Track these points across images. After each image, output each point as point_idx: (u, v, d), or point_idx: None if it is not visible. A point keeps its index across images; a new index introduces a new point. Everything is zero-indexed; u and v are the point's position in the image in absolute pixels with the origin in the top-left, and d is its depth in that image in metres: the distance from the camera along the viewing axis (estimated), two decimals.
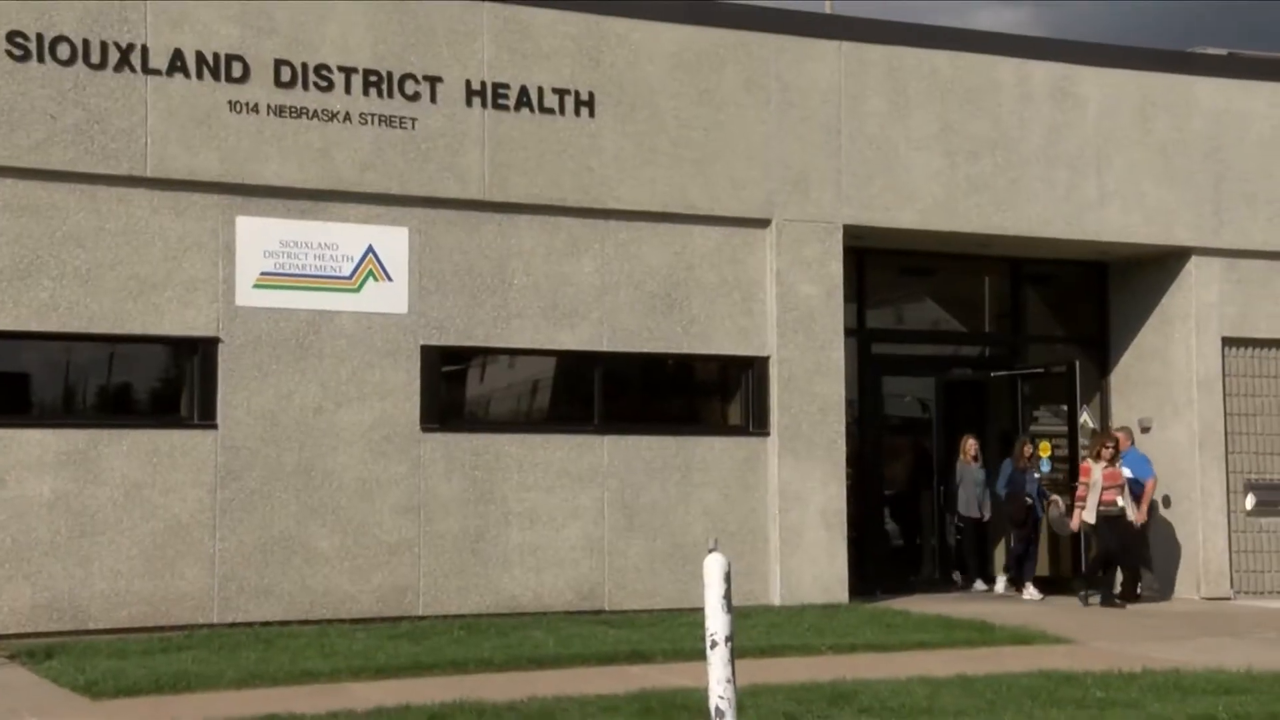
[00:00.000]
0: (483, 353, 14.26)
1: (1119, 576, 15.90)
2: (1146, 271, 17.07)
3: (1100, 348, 17.62)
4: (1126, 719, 8.50)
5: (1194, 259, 16.62)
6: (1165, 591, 16.52)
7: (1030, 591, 16.08)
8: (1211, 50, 17.38)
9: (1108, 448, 15.76)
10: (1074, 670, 10.22)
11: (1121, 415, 17.30)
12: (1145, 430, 16.76)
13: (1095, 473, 15.62)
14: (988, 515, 16.78)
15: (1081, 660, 10.93)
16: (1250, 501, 16.59)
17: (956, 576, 17.45)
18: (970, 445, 16.75)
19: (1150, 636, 12.97)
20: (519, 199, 14.07)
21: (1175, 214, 16.56)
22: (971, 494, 16.69)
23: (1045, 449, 17.17)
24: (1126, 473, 15.91)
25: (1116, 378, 17.50)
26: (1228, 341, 16.71)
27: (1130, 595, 15.75)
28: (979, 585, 16.85)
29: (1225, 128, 16.84)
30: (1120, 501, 15.65)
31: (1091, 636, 12.69)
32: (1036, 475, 16.71)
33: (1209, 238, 16.66)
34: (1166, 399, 16.81)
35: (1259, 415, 16.81)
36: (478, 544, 13.77)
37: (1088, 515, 15.60)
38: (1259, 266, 16.84)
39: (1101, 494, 15.57)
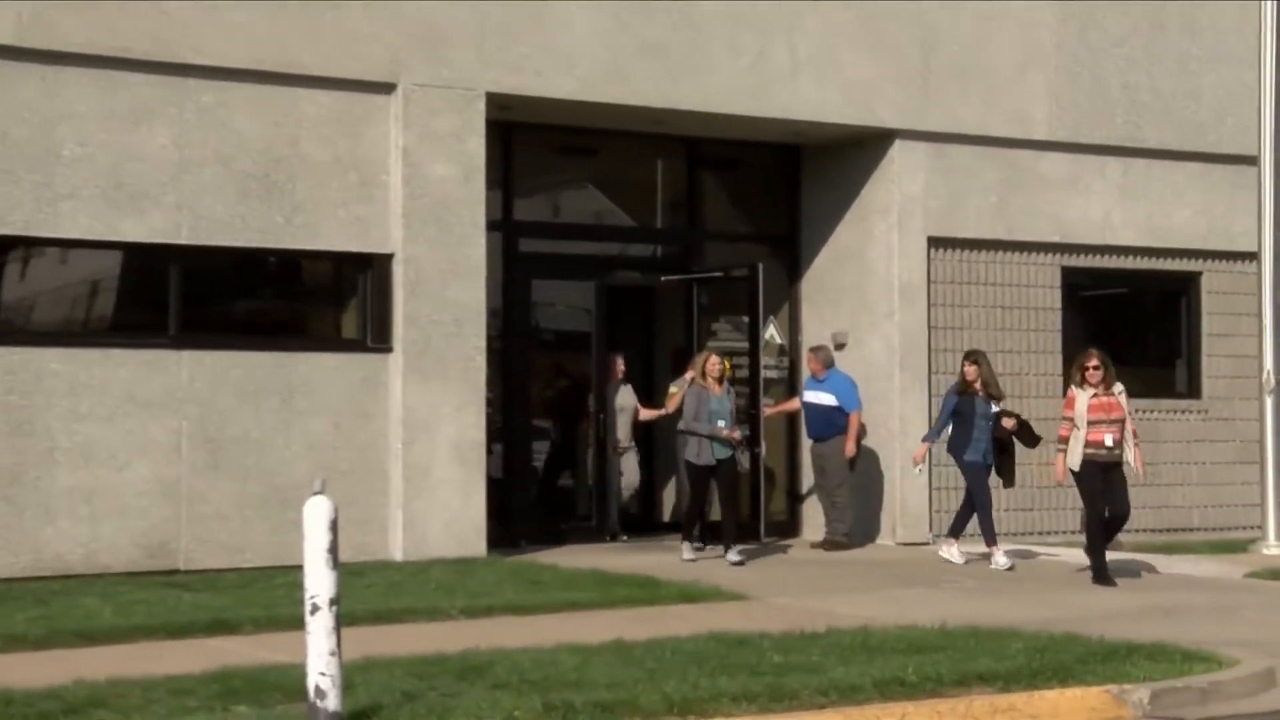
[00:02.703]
0: (21, 243, 13.85)
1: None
2: (844, 157, 17.60)
3: (790, 248, 18.16)
4: (806, 686, 8.77)
5: (898, 143, 17.20)
6: (860, 536, 17.03)
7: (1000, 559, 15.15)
8: None
9: (1093, 368, 14.12)
10: (749, 631, 10.54)
11: (813, 330, 17.86)
12: (840, 347, 17.25)
13: (1080, 403, 14.10)
14: (746, 462, 15.87)
15: (759, 619, 11.29)
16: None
17: (697, 545, 15.65)
18: (713, 364, 15.43)
19: (838, 589, 13.52)
20: (68, 47, 13.61)
21: (877, 89, 17.06)
22: (709, 431, 15.18)
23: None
24: (824, 399, 15.99)
25: (808, 284, 18.03)
26: (934, 241, 17.40)
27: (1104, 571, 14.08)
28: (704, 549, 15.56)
29: None
30: (1109, 441, 14.02)
31: (771, 592, 13.14)
32: (994, 406, 15.39)
33: (915, 119, 17.25)
34: (864, 309, 17.41)
35: (965, 329, 17.54)
36: (12, 489, 13.40)
37: (1071, 461, 14.12)
38: (969, 154, 17.55)
39: (1088, 432, 14.06)
